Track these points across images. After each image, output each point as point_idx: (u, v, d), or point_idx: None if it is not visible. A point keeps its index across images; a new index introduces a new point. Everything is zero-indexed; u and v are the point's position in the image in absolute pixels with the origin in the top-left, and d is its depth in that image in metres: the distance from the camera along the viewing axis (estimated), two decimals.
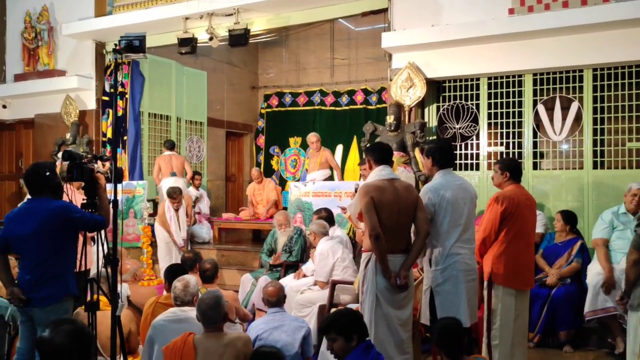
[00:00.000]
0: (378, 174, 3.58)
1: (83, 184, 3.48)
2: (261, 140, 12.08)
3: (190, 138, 10.17)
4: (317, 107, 11.43)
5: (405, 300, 3.54)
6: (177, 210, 6.95)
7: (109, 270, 3.47)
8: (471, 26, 5.98)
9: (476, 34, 5.97)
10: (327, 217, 5.74)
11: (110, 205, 3.35)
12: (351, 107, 11.06)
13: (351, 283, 5.07)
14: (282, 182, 11.01)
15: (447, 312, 3.50)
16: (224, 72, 11.26)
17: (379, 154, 3.66)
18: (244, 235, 9.10)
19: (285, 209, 9.02)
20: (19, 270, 3.47)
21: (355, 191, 5.92)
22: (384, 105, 10.54)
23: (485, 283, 3.80)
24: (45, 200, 3.42)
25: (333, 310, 4.85)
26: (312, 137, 7.97)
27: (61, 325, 2.25)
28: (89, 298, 3.45)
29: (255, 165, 12.01)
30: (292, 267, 6.00)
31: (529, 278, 4.02)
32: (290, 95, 11.82)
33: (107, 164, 3.65)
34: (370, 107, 10.86)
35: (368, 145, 3.98)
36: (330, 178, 8.01)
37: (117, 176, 3.55)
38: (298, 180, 11.12)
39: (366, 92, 10.92)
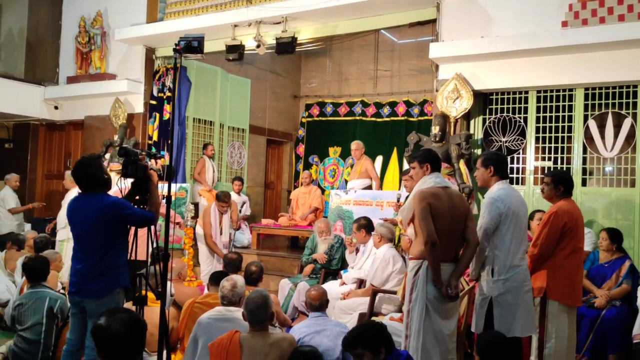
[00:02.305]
0: (434, 180, 3.55)
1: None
2: (301, 149, 12.15)
3: (232, 144, 10.30)
4: (358, 118, 11.44)
5: (453, 310, 3.49)
6: (222, 214, 6.89)
7: (157, 266, 3.53)
8: (522, 38, 5.90)
9: (527, 46, 5.88)
10: (367, 225, 5.72)
11: (164, 201, 3.40)
12: (392, 118, 11.03)
13: (394, 292, 5.03)
14: (321, 191, 11.01)
15: (505, 322, 3.47)
16: (267, 81, 11.40)
17: (436, 161, 3.65)
18: (281, 242, 9.14)
19: (325, 217, 9.05)
20: (72, 260, 3.56)
21: (398, 201, 5.88)
22: (425, 117, 10.49)
23: (538, 299, 3.71)
24: (95, 196, 3.49)
25: (373, 319, 4.82)
26: (353, 145, 7.98)
27: (117, 313, 2.29)
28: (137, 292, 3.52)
29: (294, 173, 12.10)
30: (330, 274, 5.98)
31: (580, 295, 3.93)
32: (331, 105, 11.87)
33: (160, 161, 3.72)
34: (411, 118, 10.81)
35: (422, 150, 3.94)
36: (369, 188, 7.97)
37: (169, 174, 3.62)
38: (336, 190, 11.17)
39: (408, 104, 10.88)
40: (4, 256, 6.36)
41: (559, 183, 3.85)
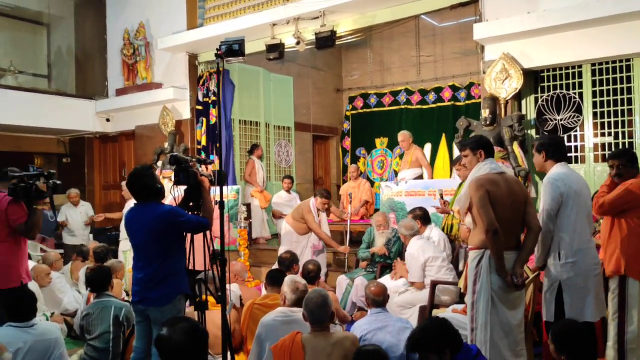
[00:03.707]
0: (489, 167, 3.43)
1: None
2: (347, 142, 12.09)
3: (279, 143, 10.35)
4: (402, 107, 11.28)
5: (519, 299, 3.37)
6: (321, 210, 6.53)
7: (214, 270, 3.56)
8: (572, 10, 5.62)
9: (578, 18, 5.60)
10: (422, 215, 5.60)
11: (217, 206, 3.42)
12: (438, 104, 10.81)
13: (452, 283, 4.92)
14: (370, 184, 10.92)
15: (576, 307, 3.35)
16: (309, 77, 11.38)
17: (489, 147, 3.52)
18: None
19: (377, 210, 8.96)
20: (132, 270, 3.63)
21: (441, 197, 5.74)
22: (473, 100, 10.23)
23: (616, 279, 3.55)
24: (150, 206, 3.53)
25: (434, 311, 4.73)
26: (400, 136, 7.85)
27: (178, 323, 2.30)
28: (197, 298, 3.56)
29: (342, 167, 12.05)
30: (387, 267, 5.91)
31: None
32: (375, 96, 11.75)
33: (211, 167, 3.74)
34: (458, 103, 10.56)
35: (474, 137, 3.81)
36: (421, 177, 7.83)
37: (221, 179, 3.64)
38: (386, 182, 11.06)
39: (454, 88, 10.64)
40: (70, 267, 6.60)
41: (634, 160, 3.67)
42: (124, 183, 7.38)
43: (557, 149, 3.60)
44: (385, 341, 3.54)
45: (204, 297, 3.61)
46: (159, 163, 8.88)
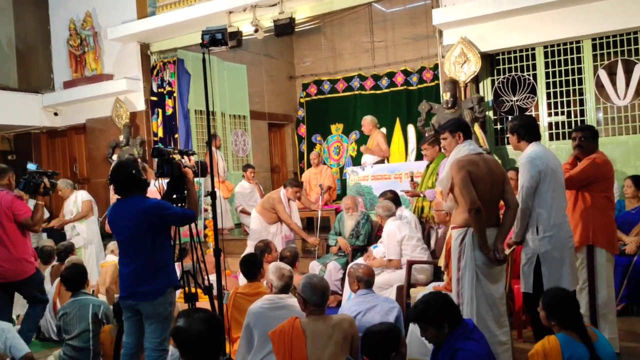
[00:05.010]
0: (468, 148, 3.56)
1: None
2: (302, 129, 12.10)
3: (235, 132, 10.25)
4: (356, 92, 11.38)
5: (501, 274, 3.54)
6: (292, 200, 6.44)
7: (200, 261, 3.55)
8: None
9: (530, 2, 5.86)
10: (393, 198, 5.74)
11: (207, 197, 3.40)
12: (392, 89, 10.97)
13: (427, 262, 5.08)
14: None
15: (553, 278, 3.52)
16: (262, 64, 11.31)
17: (467, 129, 3.65)
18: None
19: (339, 195, 9.06)
20: (119, 265, 3.56)
21: (412, 180, 5.88)
22: (425, 84, 10.46)
23: (584, 249, 3.78)
24: (135, 200, 3.46)
25: (411, 290, 4.88)
26: (362, 121, 7.94)
27: (194, 314, 2.30)
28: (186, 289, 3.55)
29: (298, 154, 12.07)
30: (359, 250, 6.02)
31: (617, 243, 4.02)
32: (328, 83, 11.79)
33: (193, 158, 3.70)
34: (411, 87, 10.76)
35: (452, 120, 3.94)
36: (383, 161, 7.97)
37: (203, 170, 3.62)
38: (342, 168, 11.18)
39: (406, 72, 10.82)
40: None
41: (595, 136, 3.90)
42: (61, 181, 7.15)
43: (528, 129, 3.76)
44: (375, 321, 3.62)
45: (193, 289, 3.59)
46: (115, 157, 8.64)
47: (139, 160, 7.95)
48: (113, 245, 6.16)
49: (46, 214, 7.92)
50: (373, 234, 6.08)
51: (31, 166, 4.54)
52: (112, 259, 5.99)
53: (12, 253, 4.54)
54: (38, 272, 4.79)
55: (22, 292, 4.80)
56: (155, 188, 3.61)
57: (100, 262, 6.83)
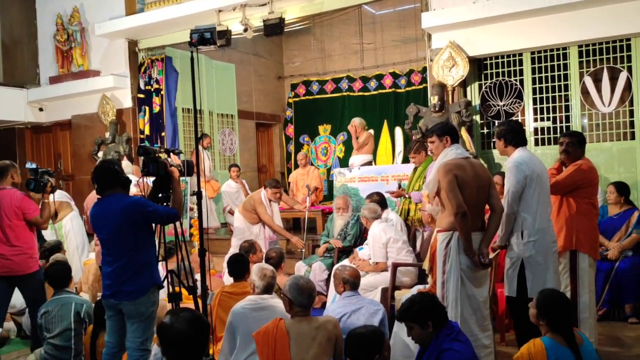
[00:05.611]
0: (455, 152, 3.58)
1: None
2: (290, 129, 12.09)
3: (223, 131, 10.22)
4: (345, 94, 11.40)
5: (485, 277, 3.57)
6: (273, 201, 6.39)
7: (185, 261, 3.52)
8: (513, 1, 5.91)
9: (519, 8, 5.90)
10: (380, 200, 5.75)
11: (193, 197, 3.38)
12: (380, 91, 11.01)
13: (412, 265, 5.10)
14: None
15: (538, 282, 3.55)
16: (251, 64, 11.28)
17: (454, 133, 3.67)
18: (283, 224, 9.10)
19: (325, 197, 9.07)
20: (102, 264, 3.53)
21: (399, 187, 5.89)
22: (413, 87, 10.50)
23: (566, 254, 3.82)
24: (117, 197, 3.44)
25: (396, 292, 4.89)
26: (351, 122, 7.94)
27: (180, 312, 2.30)
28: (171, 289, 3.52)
29: (286, 155, 12.06)
30: (345, 252, 6.02)
31: (599, 248, 4.08)
32: (317, 83, 11.80)
33: (180, 157, 3.68)
34: (399, 90, 10.80)
35: (440, 124, 3.96)
36: (370, 163, 7.98)
37: (189, 169, 3.60)
38: (329, 169, 11.19)
39: (394, 75, 10.86)
40: None
41: (582, 142, 3.95)
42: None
43: (515, 135, 3.80)
44: (360, 323, 3.64)
45: (177, 288, 3.57)
46: (100, 154, 8.56)
47: (125, 157, 7.94)
48: None
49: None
50: (362, 236, 6.09)
51: (30, 165, 4.66)
52: None
53: (20, 248, 4.64)
54: (41, 270, 4.80)
55: (24, 291, 4.81)
56: (137, 187, 3.57)
57: (84, 259, 6.75)
